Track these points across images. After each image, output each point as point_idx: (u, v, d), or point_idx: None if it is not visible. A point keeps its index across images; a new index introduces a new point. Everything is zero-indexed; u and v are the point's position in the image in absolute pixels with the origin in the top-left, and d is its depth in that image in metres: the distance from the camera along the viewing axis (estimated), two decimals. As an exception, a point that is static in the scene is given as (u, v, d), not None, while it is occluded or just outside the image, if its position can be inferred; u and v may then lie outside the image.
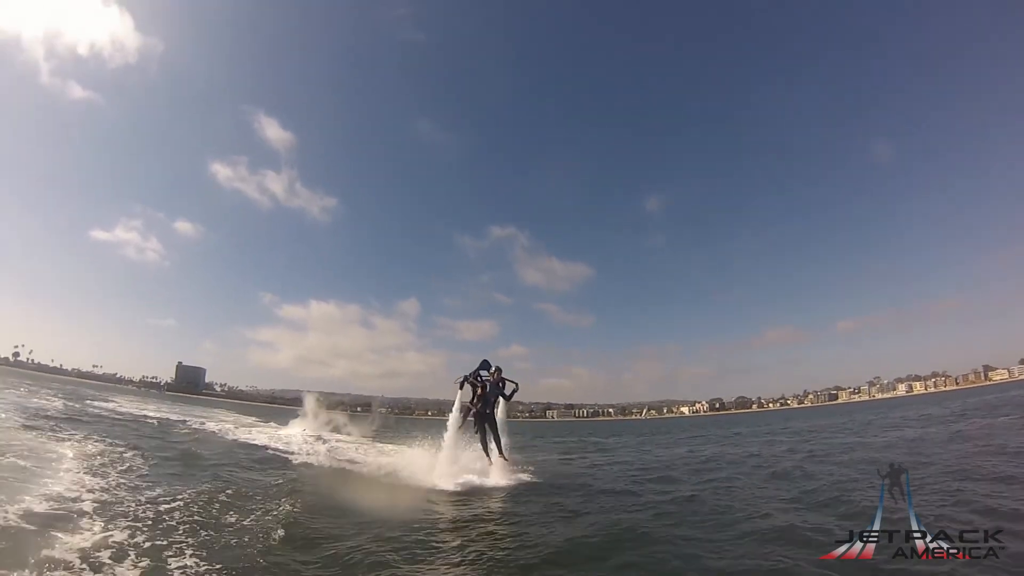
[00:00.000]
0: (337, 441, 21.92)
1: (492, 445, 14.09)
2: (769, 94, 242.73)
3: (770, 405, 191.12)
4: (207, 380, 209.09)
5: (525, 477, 13.43)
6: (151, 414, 28.31)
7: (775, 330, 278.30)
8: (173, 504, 7.84)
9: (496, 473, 13.45)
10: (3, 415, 17.06)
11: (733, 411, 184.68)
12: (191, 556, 5.81)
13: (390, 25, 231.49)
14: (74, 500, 7.47)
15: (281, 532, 7.01)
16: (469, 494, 11.41)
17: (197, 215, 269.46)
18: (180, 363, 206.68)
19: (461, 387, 14.51)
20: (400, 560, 6.29)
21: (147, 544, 6.03)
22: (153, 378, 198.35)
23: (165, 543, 6.13)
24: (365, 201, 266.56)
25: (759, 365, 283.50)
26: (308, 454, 16.77)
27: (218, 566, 5.61)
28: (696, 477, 13.45)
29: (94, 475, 9.48)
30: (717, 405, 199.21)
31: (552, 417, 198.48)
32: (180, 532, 6.60)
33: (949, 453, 13.51)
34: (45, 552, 5.41)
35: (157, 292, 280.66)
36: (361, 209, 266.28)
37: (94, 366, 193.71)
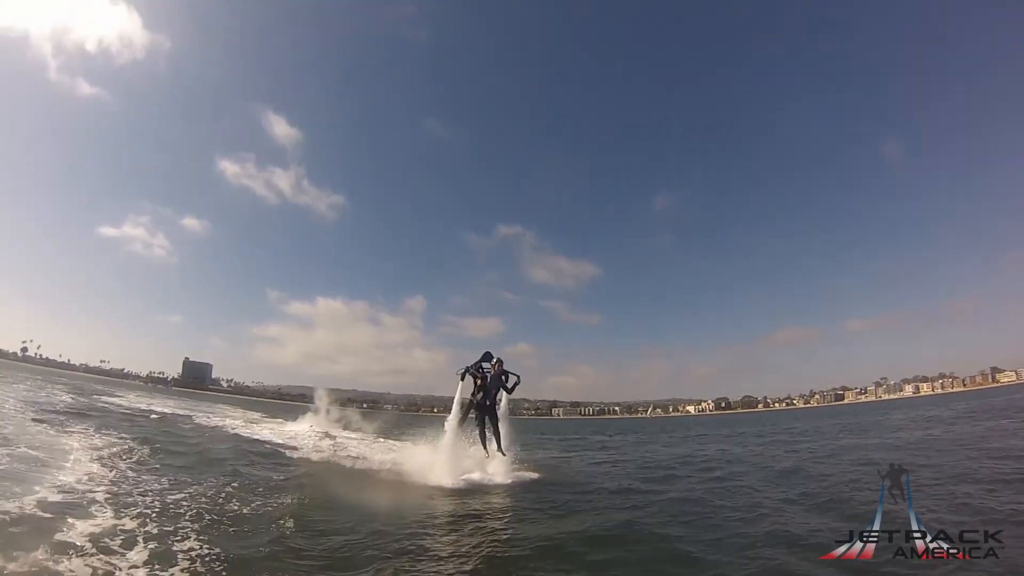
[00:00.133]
0: (344, 438, 22.00)
1: (491, 438, 14.05)
2: (779, 92, 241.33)
3: (776, 405, 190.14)
4: (214, 376, 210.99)
5: (525, 474, 13.42)
6: (158, 409, 28.58)
7: (783, 330, 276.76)
8: (179, 496, 8.06)
9: (495, 470, 13.46)
10: (14, 409, 17.33)
11: (739, 411, 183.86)
12: (196, 544, 6.01)
13: (398, 23, 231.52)
14: (85, 490, 7.73)
15: (282, 525, 7.16)
16: (468, 491, 11.45)
17: (204, 212, 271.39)
18: (187, 359, 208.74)
19: (462, 378, 14.46)
20: (392, 555, 6.37)
21: (155, 531, 6.27)
22: (160, 373, 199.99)
23: (172, 530, 6.36)
24: (372, 198, 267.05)
25: (766, 365, 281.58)
26: (314, 450, 16.89)
27: (220, 553, 5.79)
28: (697, 476, 13.45)
29: (103, 467, 9.69)
30: (723, 404, 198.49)
31: (558, 415, 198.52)
32: (186, 521, 6.80)
33: (948, 456, 13.43)
34: (59, 537, 5.66)
35: (165, 288, 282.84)
36: (368, 206, 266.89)
37: (102, 361, 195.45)
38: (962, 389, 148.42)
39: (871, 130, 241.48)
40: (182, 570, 5.39)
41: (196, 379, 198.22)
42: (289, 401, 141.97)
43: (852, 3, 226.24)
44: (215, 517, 7.18)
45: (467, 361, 14.53)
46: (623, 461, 18.06)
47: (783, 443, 22.38)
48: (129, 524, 6.40)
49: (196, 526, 6.66)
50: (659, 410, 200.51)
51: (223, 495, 8.44)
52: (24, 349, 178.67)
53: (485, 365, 14.44)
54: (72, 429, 14.30)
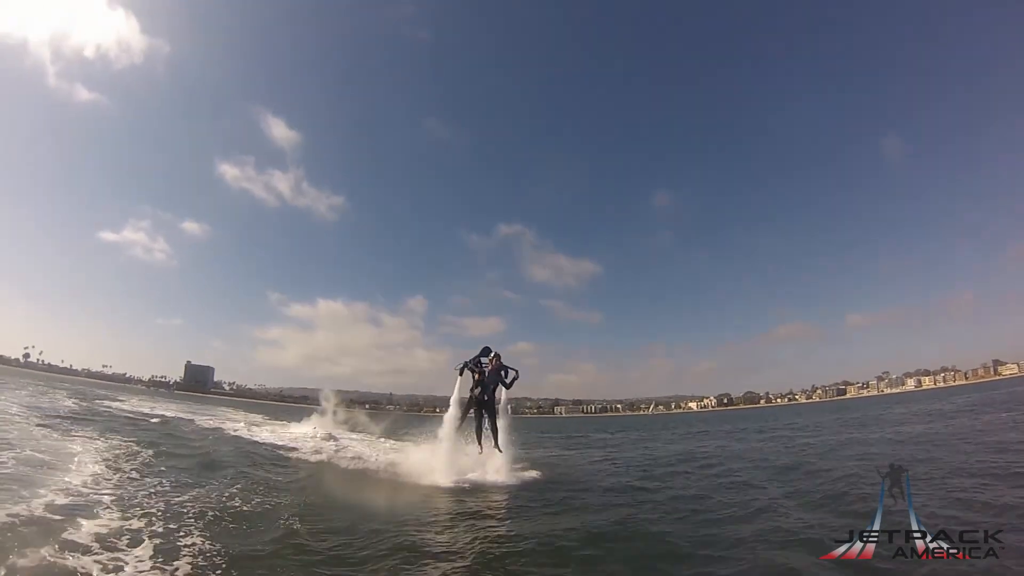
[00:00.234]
0: (346, 439, 22.01)
1: (488, 433, 13.98)
2: (778, 89, 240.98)
3: (778, 400, 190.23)
4: (215, 379, 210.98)
5: (524, 473, 13.42)
6: (160, 413, 28.62)
7: (785, 326, 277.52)
8: (183, 497, 8.21)
9: (494, 468, 13.41)
10: (18, 415, 17.41)
11: (741, 406, 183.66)
12: (199, 540, 6.25)
13: (396, 23, 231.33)
14: (91, 493, 7.92)
15: (282, 525, 7.27)
16: (466, 490, 11.51)
17: (204, 215, 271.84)
18: (189, 362, 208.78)
19: (461, 373, 14.43)
20: (387, 552, 6.44)
21: (160, 530, 6.47)
22: (162, 377, 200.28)
23: (176, 529, 6.58)
24: (372, 199, 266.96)
25: (768, 361, 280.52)
26: (315, 452, 16.89)
27: (222, 551, 5.96)
28: (696, 473, 13.49)
29: (108, 470, 9.80)
30: (725, 401, 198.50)
31: (560, 413, 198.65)
32: (189, 520, 7.01)
33: (948, 450, 13.46)
34: (67, 536, 5.84)
35: (165, 292, 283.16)
36: (368, 207, 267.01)
37: (103, 366, 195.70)
38: (964, 382, 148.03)
39: (871, 127, 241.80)
40: (186, 564, 5.54)
41: (198, 382, 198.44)
42: (291, 403, 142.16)
43: (852, 2, 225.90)
44: (218, 516, 7.35)
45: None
46: (623, 458, 18.11)
47: (784, 439, 22.41)
48: (135, 524, 6.57)
49: (200, 525, 6.85)
50: (661, 407, 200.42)
51: (225, 496, 8.55)
52: (26, 355, 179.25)
53: (483, 360, 14.36)
54: (76, 434, 14.37)
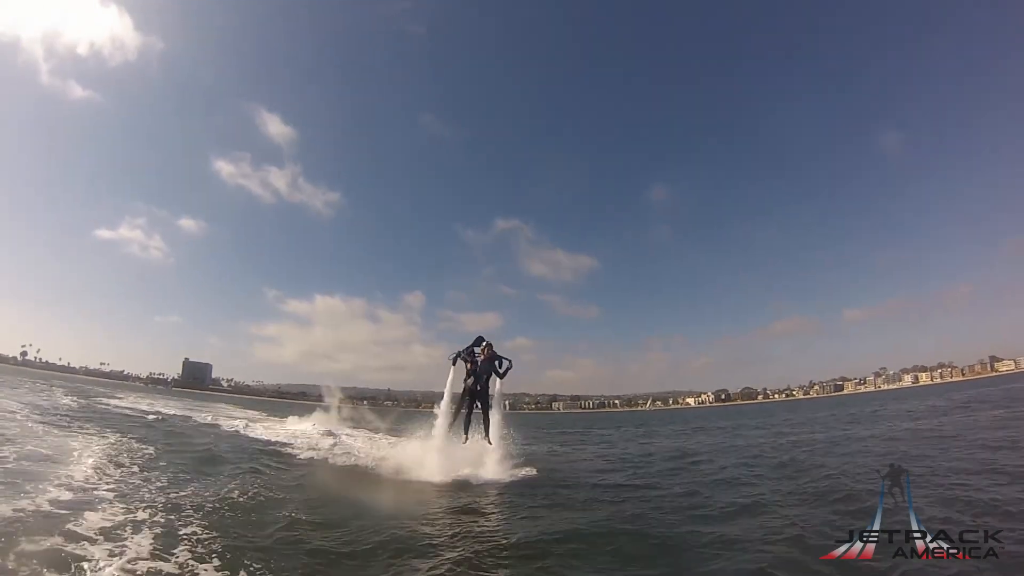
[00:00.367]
0: (346, 435, 21.96)
1: (478, 424, 13.88)
2: (776, 83, 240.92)
3: (776, 396, 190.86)
4: (213, 376, 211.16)
5: (516, 470, 13.24)
6: (159, 410, 28.61)
7: (782, 321, 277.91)
8: (182, 493, 8.40)
9: (487, 465, 13.19)
10: (18, 412, 17.40)
11: (739, 402, 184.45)
12: (198, 534, 6.41)
13: (392, 18, 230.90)
14: (92, 488, 8.09)
15: (277, 519, 7.36)
16: (457, 487, 11.40)
17: (200, 212, 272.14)
18: (187, 359, 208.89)
19: (454, 363, 14.37)
20: (375, 548, 6.48)
21: (161, 522, 6.68)
22: (160, 374, 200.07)
23: (176, 523, 6.72)
24: (368, 195, 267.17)
25: (766, 356, 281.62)
26: (312, 448, 16.84)
27: (220, 544, 6.12)
28: (691, 470, 13.44)
29: (107, 467, 9.83)
30: (723, 396, 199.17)
31: (558, 409, 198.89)
32: (188, 515, 7.14)
33: (940, 448, 13.47)
34: (72, 527, 6.04)
35: (162, 289, 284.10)
36: (365, 203, 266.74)
37: (101, 364, 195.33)
38: (961, 379, 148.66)
39: (868, 120, 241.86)
40: (186, 553, 5.76)
41: (196, 379, 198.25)
42: (289, 400, 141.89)
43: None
44: (216, 509, 7.54)
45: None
46: (618, 455, 18.13)
47: (781, 435, 22.43)
48: (136, 517, 6.74)
49: (198, 516, 7.08)
50: (659, 403, 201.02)
51: (223, 491, 8.64)
52: (24, 353, 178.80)
53: (476, 350, 14.28)
54: (75, 431, 14.42)
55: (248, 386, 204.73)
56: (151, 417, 23.38)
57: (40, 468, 8.96)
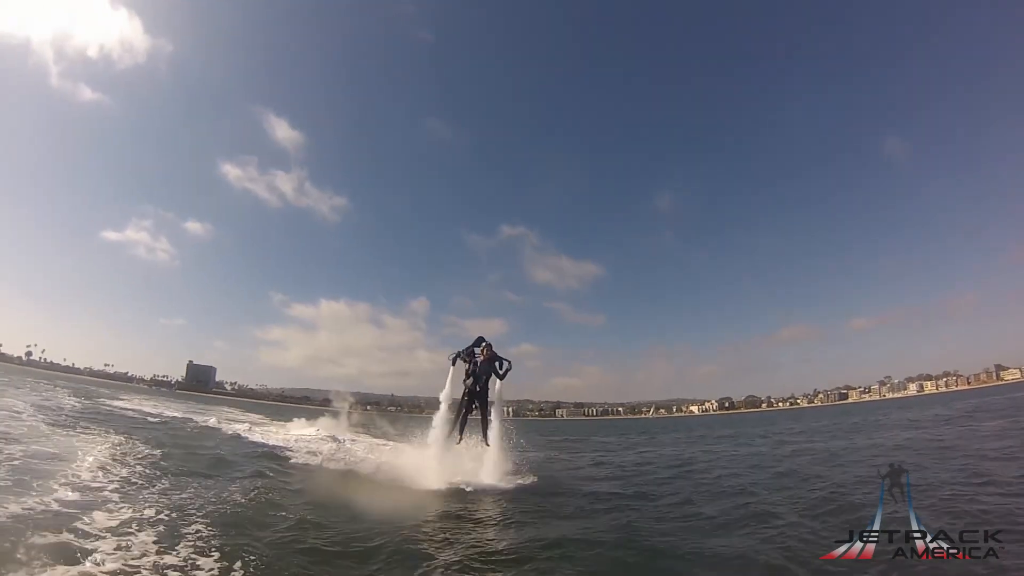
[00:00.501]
0: (349, 441, 21.93)
1: (478, 425, 13.81)
2: (780, 89, 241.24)
3: (780, 404, 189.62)
4: (217, 379, 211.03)
5: (515, 477, 13.19)
6: (162, 412, 28.71)
7: (787, 328, 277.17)
8: (184, 495, 8.49)
9: (485, 471, 13.13)
10: (23, 412, 17.51)
11: (743, 410, 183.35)
12: (202, 532, 6.59)
13: (399, 24, 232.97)
14: (97, 488, 8.22)
15: (276, 522, 7.48)
16: (455, 495, 11.31)
17: (207, 215, 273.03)
18: (191, 362, 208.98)
19: (453, 363, 14.30)
20: (369, 553, 6.54)
21: (165, 520, 6.90)
22: (164, 377, 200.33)
23: (179, 522, 6.86)
24: (374, 200, 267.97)
25: (771, 364, 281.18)
26: (312, 453, 16.78)
27: (222, 543, 6.24)
28: (693, 478, 13.37)
29: (112, 468, 9.91)
30: (727, 404, 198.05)
31: (562, 416, 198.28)
32: (192, 515, 7.26)
33: (941, 456, 13.39)
34: (78, 525, 6.21)
35: (168, 292, 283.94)
36: (370, 208, 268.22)
37: (106, 365, 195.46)
38: (966, 387, 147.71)
39: (872, 127, 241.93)
40: (189, 550, 5.93)
41: (200, 382, 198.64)
42: (293, 404, 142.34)
43: (852, 2, 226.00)
44: (218, 510, 7.64)
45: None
46: (619, 463, 18.06)
47: (784, 443, 22.34)
48: (140, 516, 6.92)
49: (201, 516, 7.24)
50: (663, 410, 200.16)
51: (225, 493, 8.75)
52: (28, 353, 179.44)
53: (476, 350, 14.22)
54: (79, 432, 14.48)
55: (252, 390, 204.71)
56: (154, 419, 23.43)
57: (47, 467, 9.08)
